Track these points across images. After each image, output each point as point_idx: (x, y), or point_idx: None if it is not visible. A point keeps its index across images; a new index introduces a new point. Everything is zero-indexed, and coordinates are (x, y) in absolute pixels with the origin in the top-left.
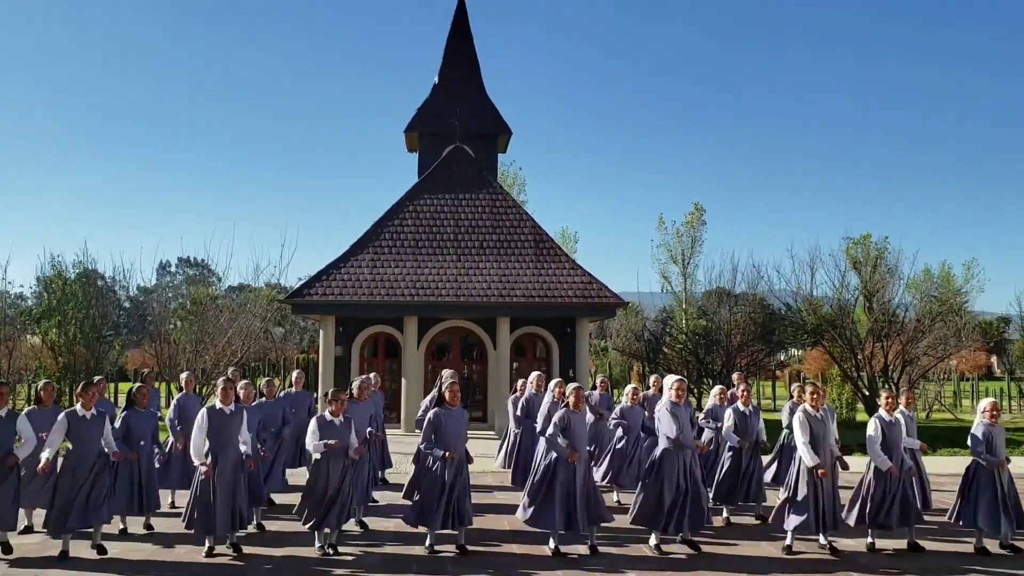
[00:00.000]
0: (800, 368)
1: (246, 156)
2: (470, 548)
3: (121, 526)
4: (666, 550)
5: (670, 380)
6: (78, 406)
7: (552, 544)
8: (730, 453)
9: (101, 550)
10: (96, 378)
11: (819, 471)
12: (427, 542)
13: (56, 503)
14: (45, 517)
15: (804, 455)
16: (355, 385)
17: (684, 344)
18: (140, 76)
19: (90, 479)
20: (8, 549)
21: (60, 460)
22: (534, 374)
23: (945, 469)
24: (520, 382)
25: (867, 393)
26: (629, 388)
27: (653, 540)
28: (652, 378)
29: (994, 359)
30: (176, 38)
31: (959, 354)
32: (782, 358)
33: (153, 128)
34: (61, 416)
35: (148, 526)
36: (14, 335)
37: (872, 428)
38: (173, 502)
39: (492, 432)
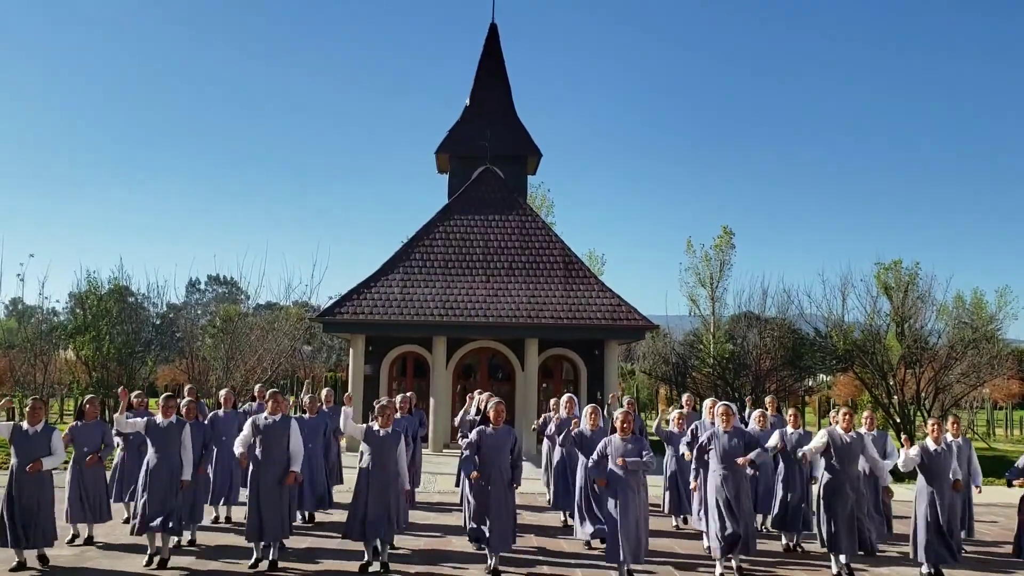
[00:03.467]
0: (829, 394)
1: (278, 176)
2: (502, 570)
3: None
4: None
5: (719, 407)
6: (158, 416)
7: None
8: (780, 479)
9: (161, 563)
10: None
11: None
12: (490, 563)
13: (140, 505)
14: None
15: (809, 454)
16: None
17: (712, 367)
18: (180, 96)
19: (168, 486)
20: (45, 560)
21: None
22: (565, 396)
23: (979, 499)
24: (552, 402)
25: (898, 420)
26: (674, 414)
27: (718, 570)
28: (685, 397)
29: None
30: (211, 60)
31: (992, 382)
32: (811, 384)
33: (189, 149)
34: (144, 422)
35: (191, 541)
36: (49, 350)
37: (913, 453)
38: (219, 517)
39: None
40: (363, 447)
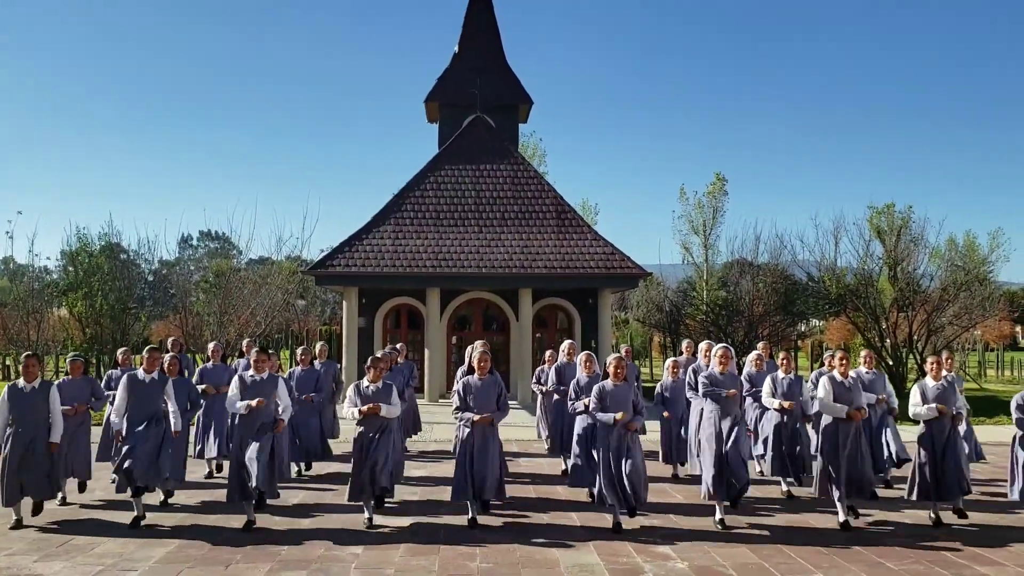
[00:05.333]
0: (822, 339)
1: (268, 129)
2: (496, 513)
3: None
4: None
5: (718, 349)
6: (140, 370)
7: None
8: (773, 424)
9: (135, 521)
10: (170, 343)
11: (851, 415)
12: (469, 514)
13: (120, 463)
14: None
15: (826, 411)
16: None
17: (706, 314)
18: (165, 53)
19: (150, 440)
20: (40, 509)
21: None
22: (567, 342)
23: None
24: (548, 353)
25: (891, 363)
26: (669, 362)
27: (718, 515)
28: (685, 343)
29: (1019, 329)
30: (199, 16)
31: (984, 324)
32: (803, 329)
33: (178, 103)
34: (124, 377)
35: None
36: (41, 307)
37: (912, 395)
38: (211, 471)
39: (515, 402)
40: (356, 403)
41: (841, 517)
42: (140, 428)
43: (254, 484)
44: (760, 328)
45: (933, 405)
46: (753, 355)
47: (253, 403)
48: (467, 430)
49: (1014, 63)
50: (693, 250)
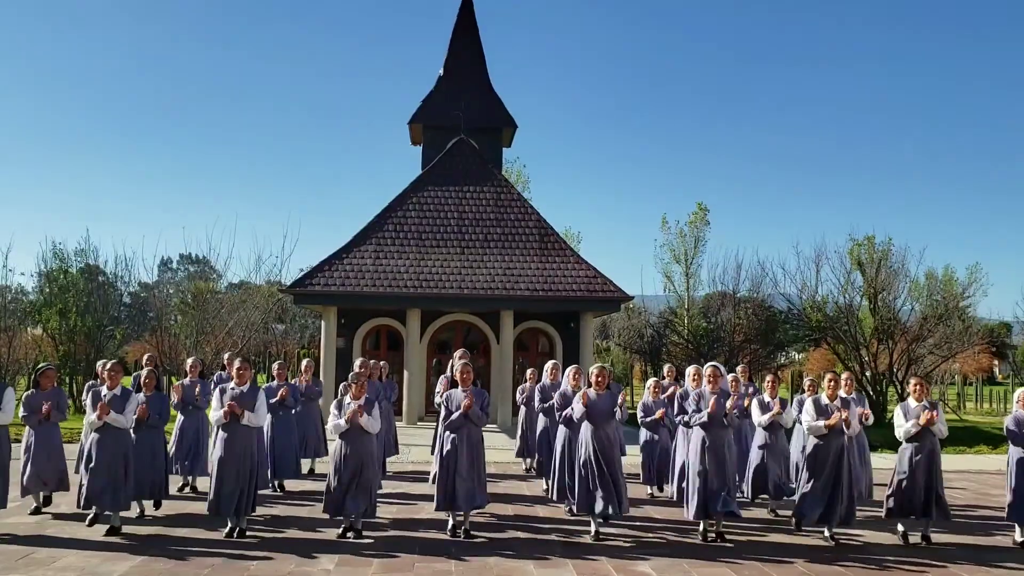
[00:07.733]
0: (802, 369)
1: (248, 148)
2: (474, 533)
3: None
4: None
5: (708, 368)
6: (103, 388)
7: (592, 528)
8: (758, 446)
9: (112, 530)
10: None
11: (835, 419)
12: (449, 524)
13: (84, 478)
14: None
15: (809, 428)
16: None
17: (688, 341)
18: (145, 71)
19: (118, 459)
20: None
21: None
22: (550, 363)
23: (948, 466)
24: (529, 372)
25: (871, 393)
26: (650, 382)
27: (702, 527)
28: (666, 368)
29: (995, 363)
30: (178, 33)
31: (963, 355)
32: (783, 360)
33: (156, 120)
34: (90, 394)
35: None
36: (14, 325)
37: (896, 415)
38: (185, 486)
39: (495, 425)
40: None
41: (826, 533)
42: (102, 447)
43: (232, 525)
44: (741, 356)
45: (918, 415)
46: (729, 378)
47: (227, 408)
48: (451, 443)
49: (993, 96)
50: (675, 279)
